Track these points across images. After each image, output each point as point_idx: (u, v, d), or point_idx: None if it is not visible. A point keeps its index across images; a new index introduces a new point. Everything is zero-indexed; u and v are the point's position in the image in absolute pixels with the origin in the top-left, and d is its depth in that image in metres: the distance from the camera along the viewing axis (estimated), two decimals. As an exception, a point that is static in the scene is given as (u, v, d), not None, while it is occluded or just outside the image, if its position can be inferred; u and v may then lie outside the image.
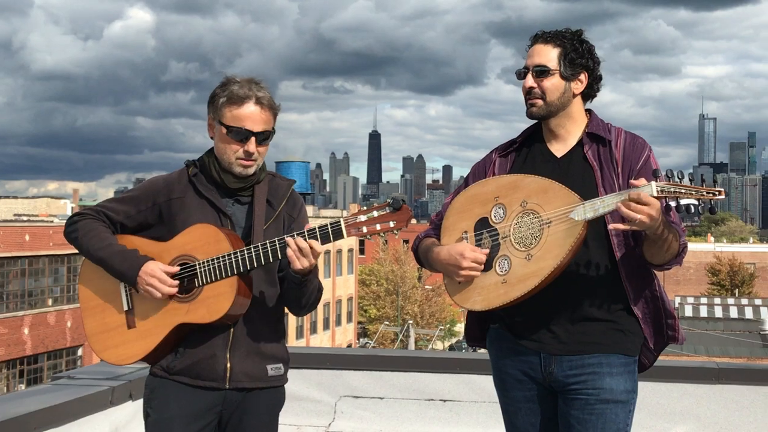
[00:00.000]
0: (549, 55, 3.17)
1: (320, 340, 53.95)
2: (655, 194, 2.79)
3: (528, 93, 3.20)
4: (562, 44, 3.17)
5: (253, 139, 3.18)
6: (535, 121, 3.30)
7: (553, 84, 3.17)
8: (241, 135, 3.18)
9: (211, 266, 3.10)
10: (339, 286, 56.62)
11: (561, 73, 3.17)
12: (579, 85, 3.21)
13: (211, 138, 3.29)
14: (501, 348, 3.29)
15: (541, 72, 3.17)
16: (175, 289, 3.15)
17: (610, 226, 2.94)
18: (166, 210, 3.27)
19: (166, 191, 3.28)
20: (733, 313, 43.33)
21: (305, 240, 3.02)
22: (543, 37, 3.21)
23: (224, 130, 3.20)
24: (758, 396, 5.42)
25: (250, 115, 3.18)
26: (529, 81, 3.19)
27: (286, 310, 3.37)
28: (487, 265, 3.11)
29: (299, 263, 3.03)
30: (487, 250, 3.12)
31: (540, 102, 3.18)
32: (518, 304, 3.05)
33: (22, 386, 33.14)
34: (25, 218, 43.00)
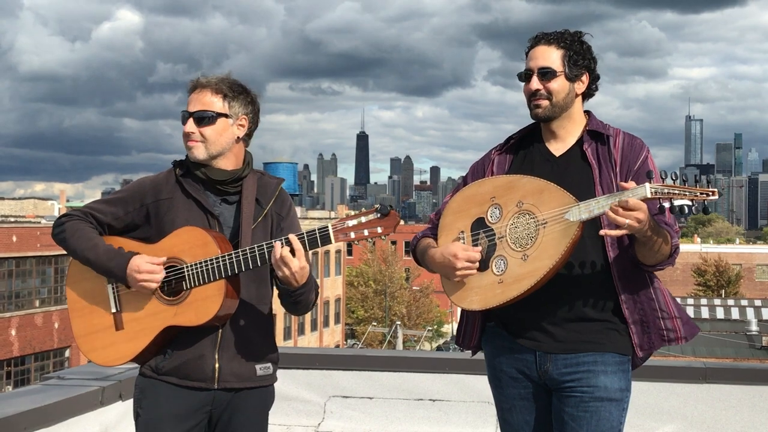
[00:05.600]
0: (552, 57, 3.19)
1: (308, 342, 53.84)
2: (649, 195, 2.80)
3: (533, 94, 3.20)
4: (564, 46, 3.19)
5: (190, 119, 3.23)
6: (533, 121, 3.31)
7: (560, 85, 3.19)
8: (182, 118, 3.27)
9: (198, 269, 3.10)
10: (327, 288, 56.52)
11: (566, 74, 3.19)
12: (581, 86, 3.24)
13: None
14: (496, 346, 3.30)
15: (547, 74, 3.18)
16: (164, 274, 3.15)
17: (602, 232, 2.95)
18: (153, 211, 3.26)
19: (154, 192, 3.28)
20: (720, 313, 43.42)
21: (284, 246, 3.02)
22: (545, 38, 3.22)
23: None
24: (745, 395, 5.45)
25: (190, 99, 3.27)
26: (535, 83, 3.19)
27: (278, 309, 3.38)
28: (484, 265, 3.12)
29: (279, 271, 3.04)
30: (480, 248, 3.13)
31: (546, 102, 3.19)
32: (514, 303, 3.07)
33: (9, 388, 32.97)
34: (11, 219, 42.75)
